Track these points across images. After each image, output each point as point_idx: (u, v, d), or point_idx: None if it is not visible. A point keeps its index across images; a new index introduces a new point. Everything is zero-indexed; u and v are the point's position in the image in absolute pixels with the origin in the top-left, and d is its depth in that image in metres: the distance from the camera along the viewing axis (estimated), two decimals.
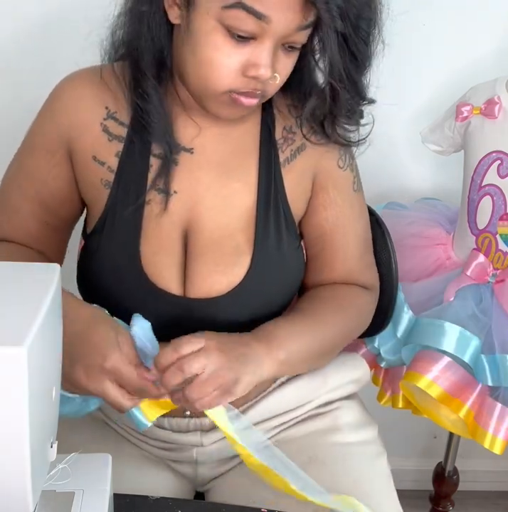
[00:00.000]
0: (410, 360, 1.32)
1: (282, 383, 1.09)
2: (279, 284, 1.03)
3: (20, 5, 1.41)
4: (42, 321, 0.60)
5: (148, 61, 0.94)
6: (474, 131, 1.38)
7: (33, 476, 0.61)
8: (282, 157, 1.03)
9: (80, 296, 1.07)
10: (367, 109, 1.01)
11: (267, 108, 1.03)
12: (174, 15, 0.91)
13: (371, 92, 1.00)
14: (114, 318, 0.91)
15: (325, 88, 0.95)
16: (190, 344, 0.86)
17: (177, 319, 0.97)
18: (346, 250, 1.08)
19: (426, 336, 1.29)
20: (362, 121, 1.02)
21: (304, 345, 0.98)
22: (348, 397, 1.13)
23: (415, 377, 1.27)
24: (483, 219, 1.36)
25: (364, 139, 1.03)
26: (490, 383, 1.27)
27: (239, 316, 1.02)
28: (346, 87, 0.94)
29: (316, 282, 1.10)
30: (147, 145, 0.99)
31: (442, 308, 1.31)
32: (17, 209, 1.03)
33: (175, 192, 0.99)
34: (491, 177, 1.34)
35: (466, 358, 1.26)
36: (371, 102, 1.00)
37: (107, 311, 0.92)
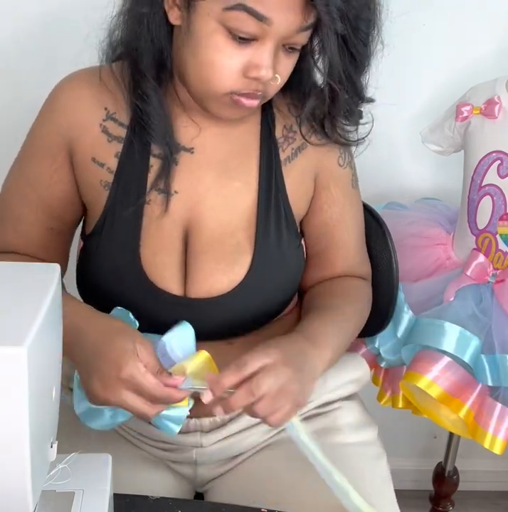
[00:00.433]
0: (410, 360, 1.32)
1: None
2: (280, 282, 1.03)
3: (20, 5, 1.41)
4: (42, 321, 0.60)
5: (147, 62, 0.94)
6: (474, 131, 1.38)
7: (33, 476, 0.61)
8: (282, 156, 1.03)
9: (79, 298, 1.07)
10: (367, 109, 1.02)
11: (266, 107, 1.03)
12: (174, 16, 0.91)
13: (371, 92, 1.00)
14: (146, 334, 0.90)
15: (324, 89, 0.95)
16: (255, 362, 0.85)
17: (178, 319, 0.97)
18: (348, 246, 1.10)
19: (426, 336, 1.29)
20: (362, 121, 1.02)
21: (339, 341, 1.00)
22: (348, 398, 1.12)
23: (415, 377, 1.27)
24: (483, 219, 1.36)
25: (364, 138, 1.03)
26: (490, 383, 1.27)
27: (239, 315, 1.02)
28: (345, 87, 0.94)
29: (318, 278, 1.11)
30: (147, 145, 0.99)
31: (442, 308, 1.31)
32: (20, 217, 1.02)
33: (175, 192, 0.99)
34: (491, 177, 1.34)
35: (466, 358, 1.26)
36: (370, 101, 1.00)
37: (131, 314, 0.92)
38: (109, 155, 0.99)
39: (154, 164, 0.99)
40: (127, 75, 0.97)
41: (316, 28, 0.90)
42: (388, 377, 1.49)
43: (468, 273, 1.35)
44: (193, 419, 1.04)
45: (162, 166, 0.98)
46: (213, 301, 0.99)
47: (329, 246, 1.09)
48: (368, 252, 1.17)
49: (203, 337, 0.94)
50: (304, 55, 0.96)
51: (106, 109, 1.00)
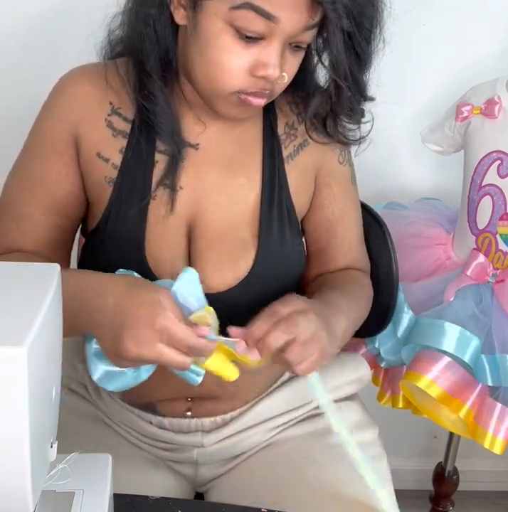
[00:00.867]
0: (410, 360, 1.32)
1: (283, 383, 1.09)
2: (282, 278, 1.04)
3: (22, 2, 1.40)
4: (42, 321, 0.60)
5: (153, 63, 0.94)
6: (474, 131, 1.38)
7: (33, 476, 0.61)
8: (285, 153, 1.04)
9: None
10: (367, 108, 1.02)
11: (269, 105, 1.03)
12: (180, 16, 0.91)
13: (372, 92, 1.00)
14: (156, 282, 0.90)
15: (329, 86, 0.96)
16: (287, 308, 0.85)
17: None
18: (349, 242, 1.11)
19: (426, 336, 1.29)
20: (363, 120, 1.02)
21: (352, 314, 1.01)
22: (348, 398, 1.13)
23: (415, 377, 1.27)
24: (483, 219, 1.36)
25: (364, 137, 1.04)
26: (490, 383, 1.27)
27: (243, 311, 1.02)
28: (349, 85, 0.95)
29: (321, 273, 1.11)
30: (152, 142, 0.98)
31: (442, 308, 1.31)
32: (26, 215, 1.01)
33: (181, 188, 0.99)
34: (491, 177, 1.34)
35: (466, 358, 1.26)
36: (371, 99, 1.00)
37: (136, 274, 0.91)
38: (114, 150, 0.99)
39: (160, 160, 0.99)
40: (132, 75, 0.97)
41: (321, 27, 0.90)
42: (388, 377, 1.49)
43: (468, 273, 1.35)
44: (195, 419, 1.04)
45: (169, 163, 0.98)
46: (216, 297, 0.99)
47: (331, 242, 1.10)
48: (368, 252, 1.17)
49: None
50: (309, 54, 0.96)
51: (111, 103, 0.99)
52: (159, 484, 1.04)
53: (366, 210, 1.20)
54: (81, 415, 1.08)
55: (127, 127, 0.99)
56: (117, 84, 0.99)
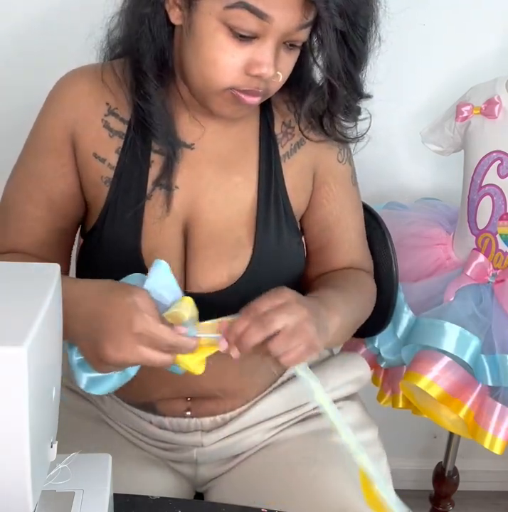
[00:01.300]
0: (410, 360, 1.32)
1: (283, 383, 1.09)
2: (280, 277, 1.04)
3: (20, 4, 1.41)
4: (42, 321, 0.60)
5: (149, 62, 0.94)
6: (474, 131, 1.38)
7: (33, 476, 0.61)
8: (282, 151, 1.04)
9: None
10: (367, 108, 1.02)
11: (265, 104, 1.03)
12: (175, 16, 0.91)
13: (371, 92, 1.00)
14: (127, 277, 0.89)
15: (323, 85, 0.96)
16: (268, 301, 0.84)
17: None
18: (349, 242, 1.10)
19: (426, 336, 1.29)
20: (360, 117, 1.02)
21: (347, 312, 0.99)
22: (348, 398, 1.13)
23: (415, 377, 1.27)
24: (483, 219, 1.36)
25: (362, 135, 1.04)
26: (490, 383, 1.27)
27: (239, 310, 1.02)
28: (344, 83, 0.95)
29: (321, 273, 1.11)
30: (148, 142, 0.99)
31: (442, 308, 1.31)
32: (26, 216, 1.01)
33: (176, 187, 1.00)
34: (491, 177, 1.34)
35: (466, 358, 1.26)
36: (368, 97, 1.00)
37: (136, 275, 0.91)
38: (110, 150, 0.99)
39: (155, 160, 0.99)
40: (128, 75, 0.97)
41: (315, 25, 0.90)
42: (388, 377, 1.49)
43: (468, 273, 1.35)
44: (194, 419, 1.04)
45: (165, 163, 0.98)
46: (213, 296, 1.00)
47: (331, 242, 1.10)
48: None
49: None
50: (304, 52, 0.97)
51: (107, 104, 1.00)
52: (159, 484, 1.04)
53: (366, 210, 1.20)
54: (81, 415, 1.08)
55: (123, 128, 0.99)
56: (113, 84, 0.99)
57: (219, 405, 1.04)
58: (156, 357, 0.81)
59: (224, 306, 1.00)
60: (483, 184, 1.35)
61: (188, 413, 1.03)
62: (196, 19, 0.88)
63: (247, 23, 0.86)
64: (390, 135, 1.57)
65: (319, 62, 0.96)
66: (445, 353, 1.26)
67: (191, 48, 0.91)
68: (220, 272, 1.00)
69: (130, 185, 0.99)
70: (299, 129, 1.03)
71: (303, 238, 1.10)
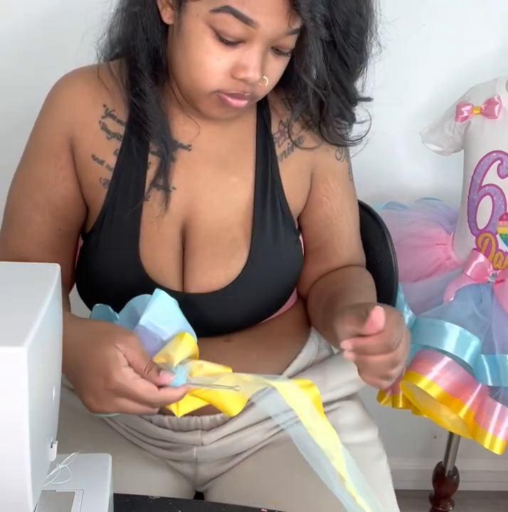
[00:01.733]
0: (410, 360, 1.32)
1: None
2: (277, 277, 1.04)
3: (21, 2, 1.40)
4: (42, 321, 0.60)
5: (144, 60, 0.95)
6: (474, 131, 1.38)
7: (33, 476, 0.61)
8: (278, 151, 1.04)
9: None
10: (365, 109, 1.02)
11: (262, 104, 1.03)
12: (167, 15, 0.92)
13: (370, 92, 1.00)
14: (134, 299, 0.88)
15: (309, 94, 0.95)
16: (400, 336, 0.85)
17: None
18: (350, 237, 1.12)
19: (426, 336, 1.29)
20: (360, 120, 1.02)
21: None
22: (348, 398, 1.12)
23: (415, 378, 1.27)
24: (483, 219, 1.36)
25: (361, 138, 1.04)
26: (490, 383, 1.27)
27: (237, 310, 1.02)
28: (336, 92, 0.95)
29: (323, 270, 1.11)
30: (145, 143, 0.99)
31: (442, 309, 1.31)
32: (29, 220, 1.02)
33: (174, 188, 1.00)
34: (491, 177, 1.34)
35: (466, 358, 1.26)
36: (366, 100, 1.00)
37: (110, 308, 0.91)
38: (109, 152, 1.00)
39: (153, 161, 0.99)
40: (124, 73, 0.98)
41: (304, 32, 0.90)
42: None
43: (468, 273, 1.35)
44: (194, 417, 1.04)
45: (160, 163, 0.99)
46: (211, 296, 1.00)
47: (332, 238, 1.10)
48: (368, 253, 1.17)
49: (201, 333, 0.94)
50: (296, 55, 0.96)
51: (105, 106, 1.00)
52: (159, 484, 1.04)
53: (366, 210, 1.20)
54: (81, 415, 1.08)
55: (120, 129, 1.00)
56: (110, 83, 0.99)
57: None
58: (138, 409, 0.81)
59: (221, 307, 1.01)
60: (483, 184, 1.35)
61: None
62: (185, 20, 0.89)
63: (233, 27, 0.86)
64: (391, 135, 1.57)
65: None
66: (445, 353, 1.26)
67: (179, 48, 0.91)
68: (218, 271, 1.00)
69: (128, 186, 0.99)
70: (290, 137, 1.03)
71: (301, 237, 1.10)
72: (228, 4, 0.85)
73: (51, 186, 1.01)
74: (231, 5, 0.85)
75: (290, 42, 0.90)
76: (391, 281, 1.18)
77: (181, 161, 1.00)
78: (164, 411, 0.84)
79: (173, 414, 0.84)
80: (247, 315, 1.04)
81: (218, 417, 1.04)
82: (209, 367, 0.82)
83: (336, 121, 1.00)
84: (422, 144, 1.51)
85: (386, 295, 1.18)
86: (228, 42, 0.87)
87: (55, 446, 0.69)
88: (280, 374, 1.09)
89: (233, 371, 0.85)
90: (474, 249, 1.38)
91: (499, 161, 1.33)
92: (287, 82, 0.98)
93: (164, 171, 0.98)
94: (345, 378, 1.12)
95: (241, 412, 1.05)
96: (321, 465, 0.80)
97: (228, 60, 0.89)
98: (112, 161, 1.00)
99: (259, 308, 1.05)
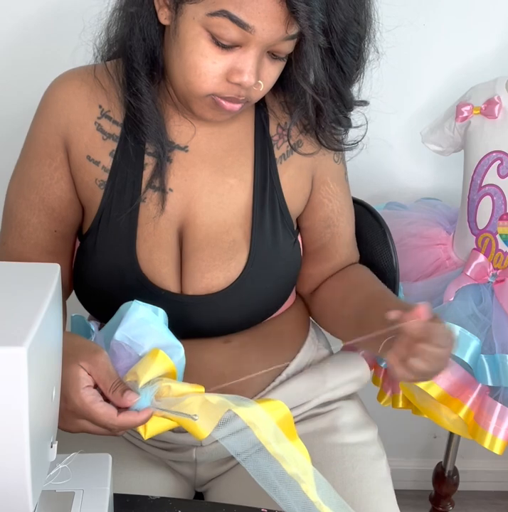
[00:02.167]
0: None
1: (281, 382, 1.09)
2: (276, 279, 1.04)
3: (16, 3, 1.40)
4: (42, 321, 0.60)
5: (141, 60, 0.95)
6: (474, 131, 1.38)
7: (33, 476, 0.61)
8: (277, 154, 1.04)
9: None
10: (365, 110, 1.02)
11: (260, 105, 1.03)
12: (164, 16, 0.92)
13: (368, 93, 1.00)
14: (124, 304, 0.87)
15: (308, 100, 0.95)
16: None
17: (175, 316, 0.97)
18: (350, 235, 1.14)
19: None
20: (358, 123, 1.02)
21: None
22: (348, 398, 1.12)
23: None
24: (483, 219, 1.36)
25: (356, 143, 1.04)
26: (490, 383, 1.27)
27: (236, 312, 1.02)
28: (332, 98, 0.95)
29: (326, 269, 1.12)
30: (141, 144, 0.99)
31: (442, 309, 1.31)
32: (26, 222, 1.02)
33: (170, 190, 1.00)
34: (491, 177, 1.34)
35: (466, 358, 1.26)
36: (364, 103, 1.00)
37: (85, 318, 0.91)
38: (104, 153, 1.00)
39: (149, 162, 0.99)
40: (121, 73, 0.98)
41: (301, 40, 0.90)
42: (388, 377, 1.49)
43: (468, 273, 1.35)
44: None
45: (156, 164, 0.98)
46: (209, 298, 1.00)
47: (334, 237, 1.11)
48: (369, 252, 1.18)
49: (200, 335, 0.94)
50: (294, 61, 0.96)
51: (100, 106, 1.00)
52: (158, 484, 1.04)
53: (367, 210, 1.21)
54: None
55: (116, 130, 0.99)
56: (105, 83, 0.99)
57: None
58: (100, 431, 0.79)
59: (220, 309, 1.00)
60: (483, 184, 1.35)
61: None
62: (181, 22, 0.88)
63: (229, 31, 0.85)
64: (390, 135, 1.57)
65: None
66: None
67: (175, 49, 0.91)
68: (217, 274, 1.00)
69: (124, 187, 0.99)
70: (289, 143, 1.03)
71: (300, 238, 1.10)
72: (224, 8, 0.84)
73: (46, 187, 1.01)
74: (228, 9, 0.84)
75: (287, 47, 0.90)
76: (392, 281, 1.18)
77: (177, 163, 1.00)
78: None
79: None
80: (246, 316, 1.04)
81: None
82: (178, 387, 0.79)
83: (331, 126, 1.00)
84: (422, 144, 1.51)
85: None
86: (224, 46, 0.87)
87: (55, 446, 0.69)
88: (279, 374, 1.09)
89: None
90: (474, 249, 1.38)
91: (499, 161, 1.33)
92: (285, 85, 0.98)
93: (160, 171, 0.98)
94: (344, 378, 1.12)
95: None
96: (281, 494, 0.77)
97: (223, 64, 0.88)
98: (107, 161, 0.99)
99: (258, 310, 1.05)
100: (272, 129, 1.04)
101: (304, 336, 1.13)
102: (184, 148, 1.01)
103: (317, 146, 1.03)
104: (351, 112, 1.01)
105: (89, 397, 0.77)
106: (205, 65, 0.88)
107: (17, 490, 0.61)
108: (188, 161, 1.01)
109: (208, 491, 1.09)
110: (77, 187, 1.02)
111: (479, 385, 1.28)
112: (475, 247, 1.38)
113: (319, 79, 0.92)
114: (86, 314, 1.09)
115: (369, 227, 1.18)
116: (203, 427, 0.78)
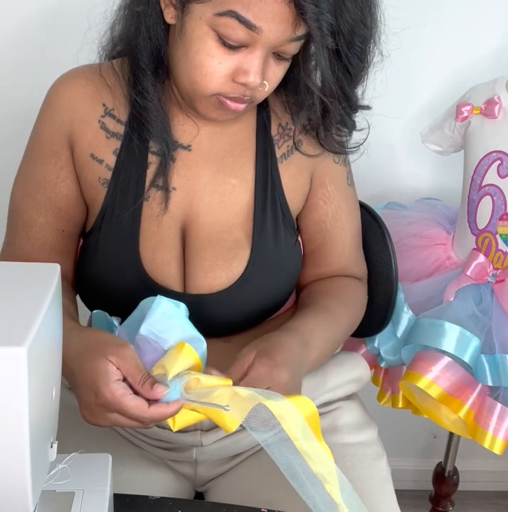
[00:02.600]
0: (410, 360, 1.32)
1: None
2: (278, 278, 1.04)
3: (20, 3, 1.40)
4: (42, 321, 0.60)
5: (146, 59, 0.95)
6: (474, 131, 1.38)
7: (33, 476, 0.61)
8: (278, 153, 1.04)
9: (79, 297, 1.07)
10: (365, 112, 1.02)
11: (263, 105, 1.03)
12: (170, 15, 0.92)
13: (370, 93, 1.00)
14: (145, 300, 0.87)
15: (315, 101, 0.95)
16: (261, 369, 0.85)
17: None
18: (344, 244, 1.10)
19: (426, 336, 1.29)
20: (359, 127, 1.02)
21: (327, 342, 1.00)
22: (348, 398, 1.12)
23: (415, 377, 1.27)
24: (483, 219, 1.36)
25: (358, 146, 1.04)
26: (490, 383, 1.27)
27: (238, 311, 1.02)
28: (338, 99, 0.95)
29: (314, 276, 1.11)
30: (145, 142, 0.99)
31: (442, 308, 1.31)
32: (32, 222, 1.02)
33: (174, 189, 1.00)
34: (491, 177, 1.34)
35: (466, 358, 1.26)
36: (367, 108, 1.00)
37: (107, 315, 0.91)
38: (108, 152, 1.00)
39: (153, 161, 0.99)
40: (127, 71, 0.98)
41: (308, 41, 0.90)
42: (388, 377, 1.49)
43: (468, 273, 1.35)
44: None
45: (160, 162, 0.98)
46: (212, 297, 1.00)
47: (325, 243, 1.10)
48: (368, 253, 1.17)
49: (202, 334, 0.93)
50: (302, 63, 0.96)
51: (104, 105, 1.00)
52: (158, 484, 1.04)
53: (366, 210, 1.20)
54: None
55: (120, 129, 1.00)
56: (111, 81, 0.99)
57: None
58: (131, 424, 0.80)
59: (222, 308, 1.00)
60: (483, 184, 1.35)
61: None
62: (188, 21, 0.88)
63: (236, 32, 0.86)
64: (391, 135, 1.57)
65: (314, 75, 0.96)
66: (445, 353, 1.26)
67: (181, 49, 0.91)
68: (219, 273, 1.00)
69: (128, 186, 0.99)
70: (294, 143, 1.03)
71: (300, 238, 1.10)
72: (232, 9, 0.84)
73: (52, 186, 1.01)
74: (236, 10, 0.84)
75: (293, 48, 0.90)
76: (391, 281, 1.18)
77: (181, 162, 1.00)
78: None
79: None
80: (248, 316, 1.04)
81: None
82: (206, 380, 0.80)
83: (337, 128, 1.00)
84: (422, 144, 1.51)
85: (386, 295, 1.18)
86: (231, 46, 0.87)
87: (55, 446, 0.69)
88: None
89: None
90: (474, 249, 1.38)
91: (499, 161, 1.33)
92: (288, 86, 0.98)
93: (164, 170, 0.98)
94: (345, 378, 1.12)
95: None
96: (307, 490, 0.77)
97: (229, 64, 0.88)
98: (111, 160, 0.99)
99: (260, 309, 1.05)
100: (274, 129, 1.05)
101: None
102: (187, 148, 1.01)
103: (317, 146, 1.03)
104: (355, 115, 1.01)
105: (119, 391, 0.78)
106: (211, 65, 0.88)
107: (17, 490, 0.61)
108: (191, 160, 1.01)
109: (209, 491, 1.09)
110: (82, 185, 1.02)
111: (479, 385, 1.28)
112: (475, 247, 1.38)
113: (326, 80, 0.92)
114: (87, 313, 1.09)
115: (368, 227, 1.18)
116: (234, 418, 0.79)
